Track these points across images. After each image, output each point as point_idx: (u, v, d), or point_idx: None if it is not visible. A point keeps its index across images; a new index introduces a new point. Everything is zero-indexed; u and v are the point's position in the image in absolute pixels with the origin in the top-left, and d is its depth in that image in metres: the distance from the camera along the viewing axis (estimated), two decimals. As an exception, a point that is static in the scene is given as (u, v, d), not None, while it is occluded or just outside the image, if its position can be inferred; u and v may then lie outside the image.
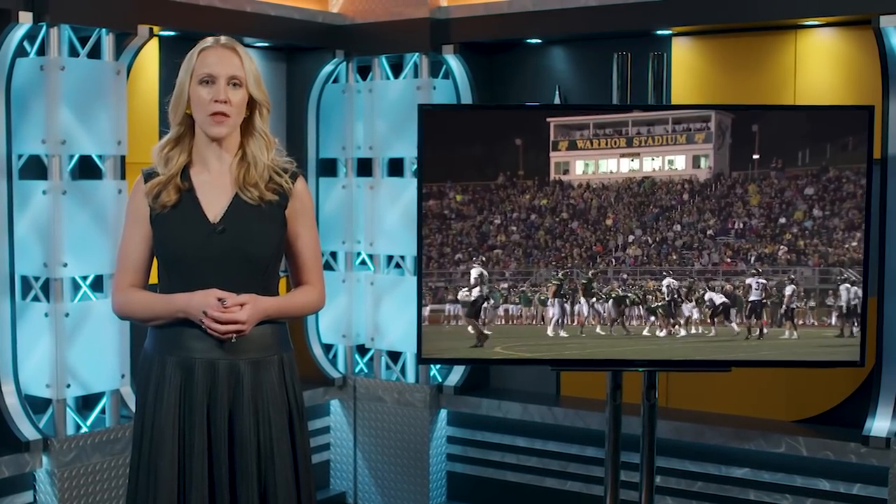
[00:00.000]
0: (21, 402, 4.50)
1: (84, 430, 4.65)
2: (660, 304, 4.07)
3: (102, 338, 4.64)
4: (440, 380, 5.70)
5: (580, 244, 4.06)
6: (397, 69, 5.71)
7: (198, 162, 3.27)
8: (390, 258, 5.74)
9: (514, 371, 5.71)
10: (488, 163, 4.06)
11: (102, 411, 4.76)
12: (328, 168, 5.92)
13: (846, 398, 4.87)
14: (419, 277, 4.08)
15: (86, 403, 4.83)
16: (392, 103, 5.61)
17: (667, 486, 5.09)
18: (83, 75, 4.54)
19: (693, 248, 4.05)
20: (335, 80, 5.86)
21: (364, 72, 5.83)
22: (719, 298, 4.06)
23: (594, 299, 4.07)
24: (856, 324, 4.05)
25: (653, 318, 4.10)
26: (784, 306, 4.06)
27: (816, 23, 4.83)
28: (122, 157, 4.72)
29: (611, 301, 4.08)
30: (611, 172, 4.07)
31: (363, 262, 5.92)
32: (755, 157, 4.01)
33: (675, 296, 4.06)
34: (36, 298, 4.58)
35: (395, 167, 5.72)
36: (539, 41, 5.56)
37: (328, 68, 5.77)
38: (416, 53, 5.54)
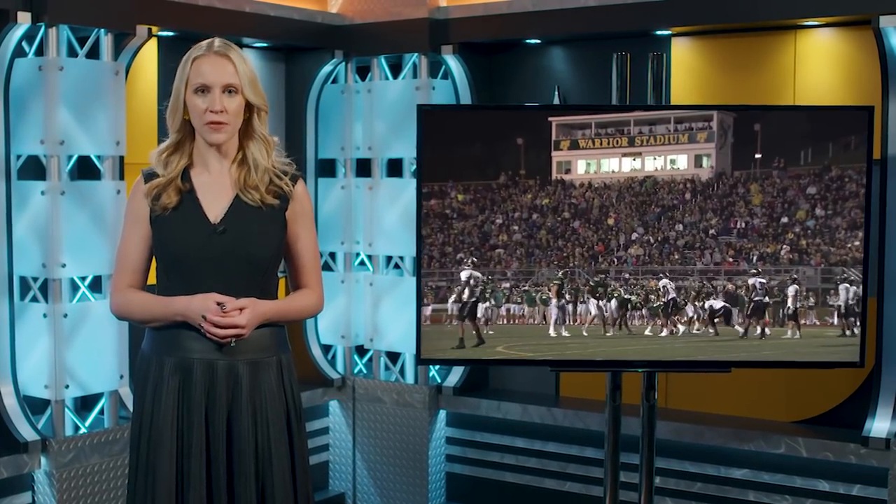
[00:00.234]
0: (19, 403, 4.49)
1: (83, 430, 4.64)
2: (660, 303, 4.07)
3: (101, 338, 4.63)
4: (439, 380, 5.70)
5: (582, 244, 4.06)
6: (396, 69, 5.70)
7: (198, 163, 3.27)
8: (389, 259, 5.73)
9: (514, 372, 5.71)
10: (490, 162, 4.05)
11: (101, 412, 4.75)
12: (327, 168, 5.92)
13: (846, 399, 4.87)
14: (418, 278, 4.07)
15: (84, 404, 4.82)
16: (391, 104, 5.60)
17: (666, 486, 5.09)
18: (82, 75, 4.53)
19: (695, 247, 4.05)
20: (334, 81, 5.86)
21: (363, 72, 5.82)
22: (719, 304, 4.06)
23: (600, 301, 4.07)
24: (856, 323, 4.05)
25: (655, 318, 4.09)
26: (788, 306, 4.05)
27: (816, 23, 4.83)
28: (121, 158, 4.71)
29: (613, 301, 4.07)
30: (613, 172, 4.07)
31: (362, 263, 5.91)
32: (757, 156, 4.01)
33: (675, 297, 4.05)
34: (34, 299, 4.57)
35: (395, 168, 5.72)
36: (538, 41, 5.56)
37: (327, 68, 5.77)
38: (416, 54, 5.53)
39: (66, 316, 4.52)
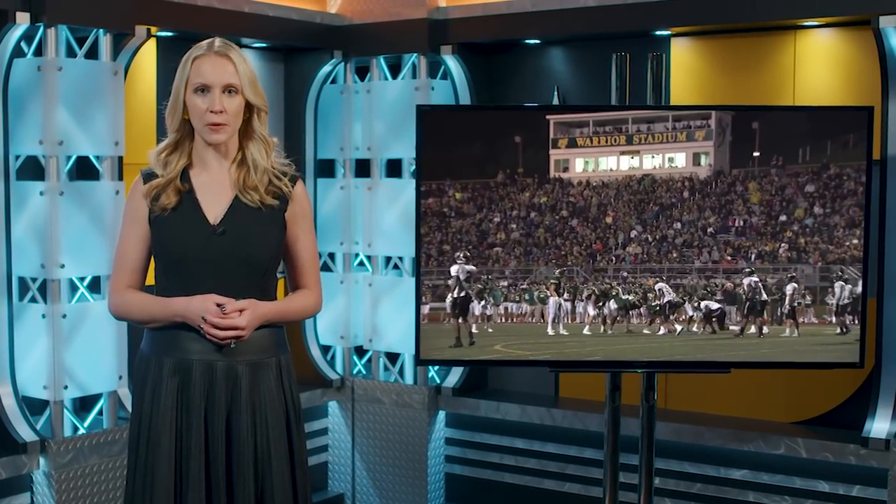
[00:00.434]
0: (18, 404, 4.49)
1: (81, 431, 4.64)
2: (658, 303, 4.06)
3: (100, 339, 4.63)
4: (438, 381, 5.69)
5: (580, 242, 4.05)
6: (395, 70, 5.70)
7: (197, 164, 3.27)
8: (388, 259, 5.73)
9: (513, 372, 5.71)
10: (488, 161, 4.05)
11: (100, 413, 4.74)
12: (326, 169, 5.91)
13: (845, 399, 4.86)
14: (417, 279, 4.07)
15: (83, 405, 4.81)
16: (390, 104, 5.60)
17: (666, 487, 5.08)
18: (80, 76, 4.53)
19: (693, 245, 4.05)
20: (333, 81, 5.85)
21: (362, 72, 5.82)
22: (715, 305, 4.06)
23: (600, 302, 4.07)
24: (854, 321, 4.04)
25: (654, 318, 4.09)
26: (786, 305, 4.05)
27: (816, 23, 4.82)
28: (120, 158, 4.70)
29: (612, 302, 4.07)
30: (611, 170, 4.06)
31: (361, 263, 5.91)
32: (755, 154, 4.00)
33: (671, 300, 4.05)
34: (33, 300, 4.56)
35: (394, 168, 5.71)
36: (537, 42, 5.55)
37: (326, 69, 5.77)
38: (415, 54, 5.53)
39: (64, 316, 4.51)
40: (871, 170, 4.01)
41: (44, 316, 4.51)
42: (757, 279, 4.03)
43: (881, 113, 4.51)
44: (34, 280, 4.55)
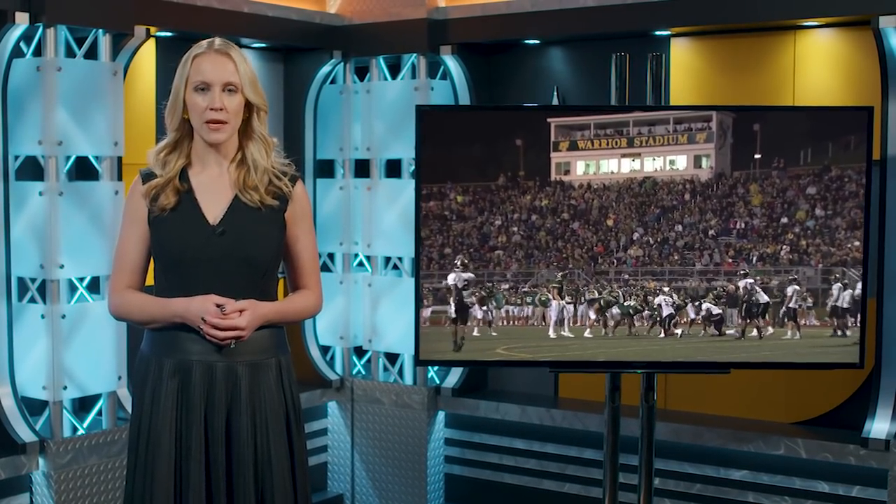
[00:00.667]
0: (17, 404, 4.48)
1: (81, 431, 4.64)
2: (658, 316, 4.07)
3: (99, 339, 4.62)
4: (438, 382, 5.69)
5: (581, 245, 4.05)
6: (395, 70, 5.69)
7: (196, 163, 3.26)
8: (388, 259, 5.72)
9: (513, 373, 5.70)
10: (489, 163, 4.04)
11: (99, 413, 4.74)
12: (325, 169, 5.91)
13: (845, 400, 4.86)
14: (417, 279, 4.07)
15: (82, 405, 4.81)
16: (390, 104, 5.59)
17: (665, 488, 5.08)
18: (80, 76, 4.52)
19: (695, 248, 4.04)
20: (332, 81, 5.85)
21: (361, 72, 5.82)
22: (716, 309, 4.06)
23: (604, 312, 4.07)
24: (854, 324, 4.04)
25: (655, 323, 4.09)
26: (785, 306, 4.05)
27: (815, 23, 4.82)
28: (119, 158, 4.70)
29: (614, 308, 4.07)
30: (612, 173, 4.06)
31: (360, 264, 5.91)
32: (757, 156, 4.00)
33: (672, 312, 4.05)
34: (32, 300, 4.56)
35: (393, 168, 5.71)
36: (537, 42, 5.55)
37: (325, 69, 5.76)
38: (414, 54, 5.52)
39: (64, 317, 4.50)
40: (871, 170, 4.00)
41: (43, 316, 4.50)
42: (752, 281, 4.03)
43: (881, 113, 4.51)
44: (33, 280, 4.55)
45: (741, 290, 4.04)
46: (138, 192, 3.26)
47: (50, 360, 4.49)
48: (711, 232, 4.03)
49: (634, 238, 4.05)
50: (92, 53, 4.62)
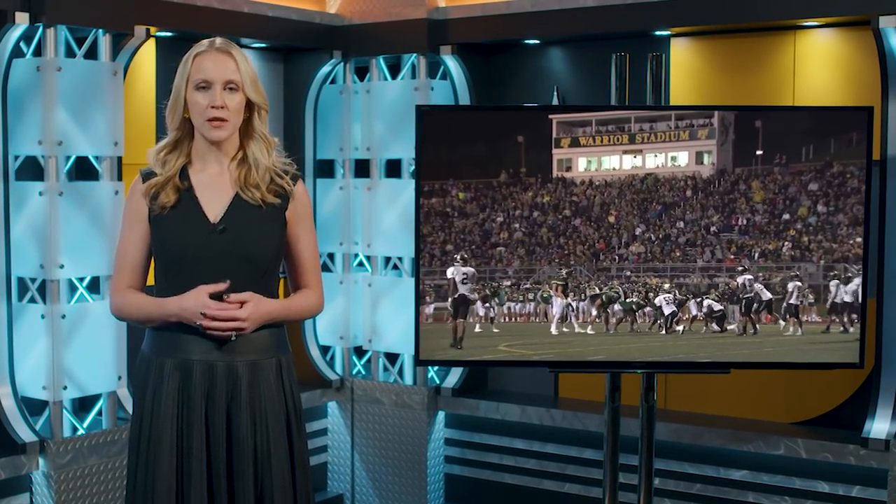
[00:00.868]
0: (17, 404, 4.48)
1: (81, 431, 4.63)
2: (659, 317, 4.07)
3: (99, 339, 4.62)
4: (438, 382, 5.69)
5: (583, 241, 4.05)
6: (395, 70, 5.70)
7: (197, 162, 3.26)
8: (388, 259, 5.72)
9: (513, 373, 5.70)
10: (489, 161, 4.05)
11: (99, 413, 4.73)
12: (325, 169, 5.91)
13: (845, 400, 4.86)
14: (417, 279, 4.07)
15: (82, 405, 4.81)
16: (390, 104, 5.60)
17: (665, 488, 5.08)
18: (80, 76, 4.52)
19: (696, 244, 4.04)
20: (332, 81, 5.85)
21: (361, 73, 5.82)
22: (717, 306, 4.06)
23: (605, 308, 4.07)
24: (850, 321, 4.04)
25: (658, 319, 4.09)
26: (786, 302, 4.05)
27: (815, 23, 4.82)
28: (119, 159, 4.70)
29: (616, 305, 4.07)
30: (613, 169, 4.06)
31: (360, 264, 5.90)
32: (758, 153, 4.00)
33: (675, 310, 4.05)
34: (32, 300, 4.55)
35: (393, 168, 5.71)
36: (537, 42, 5.55)
37: (325, 69, 5.76)
38: (414, 54, 5.53)
39: (64, 317, 4.50)
40: (871, 170, 4.01)
41: (43, 316, 4.50)
42: (751, 277, 4.03)
43: (881, 113, 4.51)
44: (33, 280, 4.55)
45: (739, 286, 4.04)
46: (138, 191, 3.26)
47: (50, 360, 4.49)
48: (713, 228, 4.03)
49: (636, 234, 4.05)
50: (92, 53, 4.62)
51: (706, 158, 4.03)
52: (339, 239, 5.84)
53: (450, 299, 4.06)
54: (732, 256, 4.03)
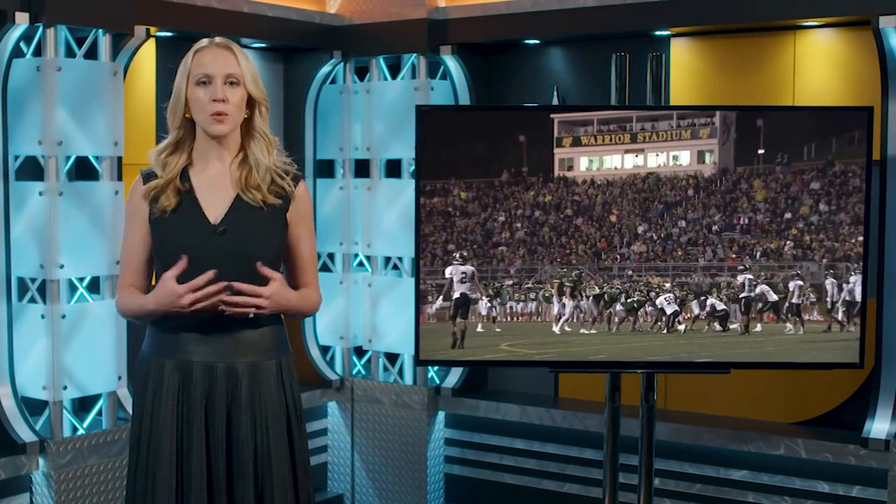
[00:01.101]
0: (17, 404, 4.48)
1: (81, 432, 4.63)
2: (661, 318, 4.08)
3: (99, 339, 4.62)
4: (438, 381, 5.69)
5: (585, 241, 4.05)
6: (395, 70, 5.69)
7: (198, 162, 3.26)
8: (388, 259, 5.72)
9: (513, 372, 5.70)
10: (489, 161, 4.05)
11: (99, 413, 4.73)
12: (325, 169, 5.91)
13: (845, 400, 4.86)
14: (416, 279, 4.07)
15: (82, 405, 4.81)
16: (390, 104, 5.59)
17: (665, 488, 5.08)
18: (80, 76, 4.52)
19: (698, 243, 4.04)
20: (332, 81, 5.85)
21: (361, 73, 5.82)
22: (720, 305, 4.06)
23: (608, 308, 4.07)
24: (849, 321, 4.04)
25: (660, 318, 4.09)
26: (788, 301, 4.05)
27: (815, 23, 4.83)
28: (119, 159, 4.69)
29: (618, 305, 4.07)
30: (615, 168, 4.06)
31: (360, 264, 5.90)
32: (760, 152, 4.00)
33: (677, 310, 4.05)
34: (32, 300, 4.55)
35: (393, 168, 5.71)
36: (537, 42, 5.55)
37: (325, 69, 5.76)
38: (414, 54, 5.52)
39: (64, 317, 4.50)
40: (871, 170, 4.01)
41: (43, 316, 4.50)
42: (751, 276, 4.03)
43: (881, 113, 4.51)
44: (33, 280, 4.54)
45: (739, 285, 4.04)
46: (138, 192, 3.26)
47: (50, 360, 4.49)
48: (715, 227, 4.03)
49: (638, 234, 4.05)
50: (92, 53, 4.62)
51: (708, 157, 4.03)
52: (339, 239, 5.84)
53: (451, 299, 4.06)
54: (734, 255, 4.03)
